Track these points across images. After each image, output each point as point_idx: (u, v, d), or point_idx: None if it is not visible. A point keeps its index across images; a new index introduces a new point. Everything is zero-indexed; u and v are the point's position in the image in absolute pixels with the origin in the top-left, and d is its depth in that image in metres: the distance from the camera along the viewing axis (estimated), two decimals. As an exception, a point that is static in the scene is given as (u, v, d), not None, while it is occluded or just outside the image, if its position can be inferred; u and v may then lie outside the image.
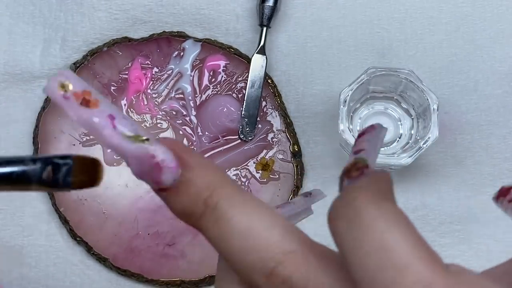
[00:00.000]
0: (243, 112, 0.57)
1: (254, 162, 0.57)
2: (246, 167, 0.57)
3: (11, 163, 0.26)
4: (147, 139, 0.28)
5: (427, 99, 0.51)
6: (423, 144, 0.50)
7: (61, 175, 0.27)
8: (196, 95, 0.58)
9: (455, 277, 0.24)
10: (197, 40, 0.58)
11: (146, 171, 0.27)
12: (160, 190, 0.28)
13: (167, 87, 0.58)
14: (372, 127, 0.31)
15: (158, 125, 0.57)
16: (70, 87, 0.27)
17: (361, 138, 0.31)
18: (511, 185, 0.31)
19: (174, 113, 0.57)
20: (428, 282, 0.23)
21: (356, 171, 0.28)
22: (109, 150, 0.26)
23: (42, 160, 0.26)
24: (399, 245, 0.24)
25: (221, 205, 0.27)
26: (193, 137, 0.57)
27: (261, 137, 0.57)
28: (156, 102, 0.58)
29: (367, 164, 0.28)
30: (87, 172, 0.28)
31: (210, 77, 0.58)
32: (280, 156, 0.57)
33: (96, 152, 0.57)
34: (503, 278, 0.28)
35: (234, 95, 0.57)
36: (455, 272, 0.25)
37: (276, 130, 0.57)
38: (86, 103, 0.27)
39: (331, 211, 0.26)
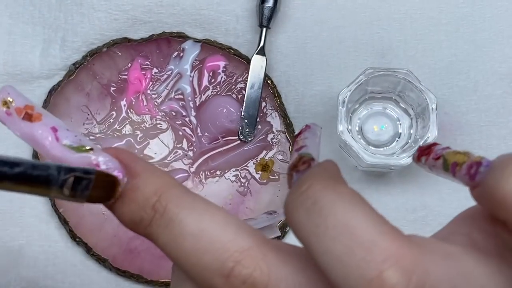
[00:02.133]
0: (242, 113, 0.57)
1: (253, 163, 0.57)
2: (246, 168, 0.57)
3: (37, 168, 0.25)
4: (91, 149, 0.28)
5: (426, 99, 0.51)
6: (422, 144, 0.50)
7: (80, 188, 0.26)
8: (196, 96, 0.58)
9: (419, 247, 0.24)
10: (196, 40, 0.58)
11: None
12: None
13: (167, 88, 0.58)
14: (307, 126, 0.31)
15: (158, 125, 0.57)
16: (14, 103, 0.28)
17: (299, 136, 0.31)
18: (429, 143, 0.31)
19: (173, 113, 0.57)
20: (397, 257, 0.23)
21: (303, 164, 0.28)
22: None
23: (66, 170, 0.26)
24: (362, 225, 0.24)
25: (170, 208, 0.26)
26: (193, 138, 0.57)
27: (260, 137, 0.57)
28: (155, 103, 0.58)
29: (312, 157, 0.28)
30: (105, 188, 0.27)
31: (209, 77, 0.58)
32: (280, 157, 0.57)
33: (95, 152, 0.57)
34: (450, 238, 0.28)
35: (233, 95, 0.57)
36: (417, 242, 0.25)
37: (276, 130, 0.57)
38: (28, 117, 0.28)
39: (288, 205, 0.26)
